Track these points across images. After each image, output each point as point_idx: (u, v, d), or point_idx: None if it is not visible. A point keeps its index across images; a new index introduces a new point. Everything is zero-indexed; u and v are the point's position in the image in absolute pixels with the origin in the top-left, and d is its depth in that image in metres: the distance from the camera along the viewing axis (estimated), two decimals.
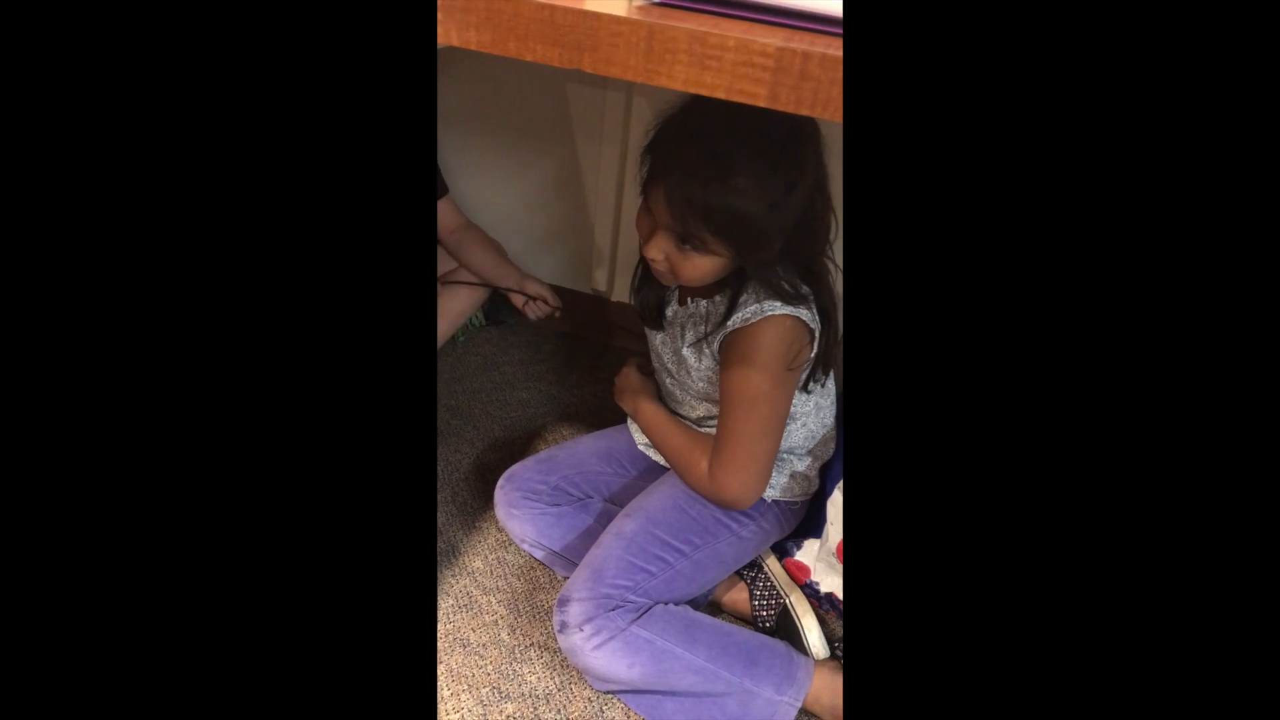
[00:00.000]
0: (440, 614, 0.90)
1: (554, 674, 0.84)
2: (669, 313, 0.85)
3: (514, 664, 0.85)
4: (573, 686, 0.83)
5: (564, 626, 0.79)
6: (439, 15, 0.49)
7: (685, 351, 0.82)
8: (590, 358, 1.39)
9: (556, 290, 1.31)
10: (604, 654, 0.77)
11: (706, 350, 0.80)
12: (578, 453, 0.98)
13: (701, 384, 0.83)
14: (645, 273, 0.85)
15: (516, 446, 1.16)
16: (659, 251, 0.71)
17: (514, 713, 0.80)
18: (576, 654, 0.78)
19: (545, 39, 0.48)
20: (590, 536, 0.92)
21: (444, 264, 1.35)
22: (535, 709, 0.81)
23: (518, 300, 1.27)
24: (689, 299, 0.83)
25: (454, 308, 1.31)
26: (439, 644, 0.87)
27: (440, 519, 1.03)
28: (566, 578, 0.94)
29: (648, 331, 0.90)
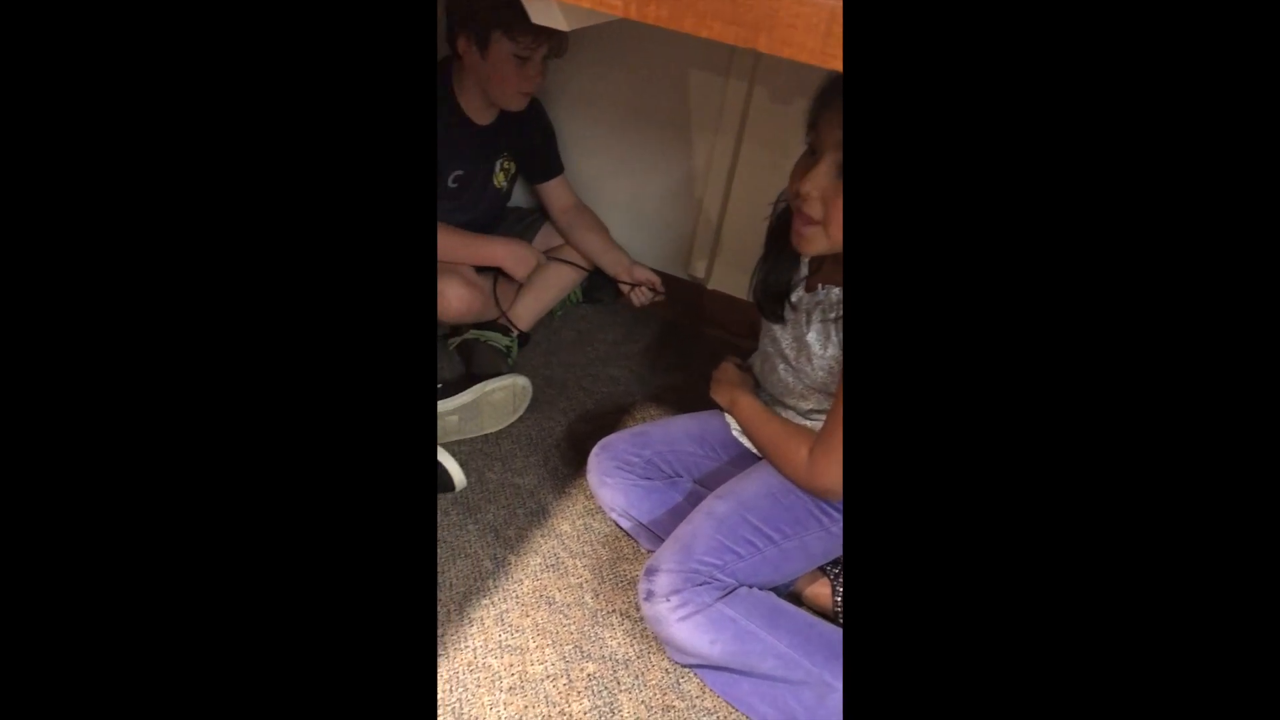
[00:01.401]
0: (528, 571, 0.94)
1: (634, 641, 0.87)
2: (794, 298, 0.86)
3: (596, 627, 0.88)
4: (651, 655, 0.86)
5: (650, 595, 0.81)
6: None
7: (810, 337, 0.83)
8: (682, 344, 1.40)
9: (656, 274, 1.33)
10: (688, 626, 0.79)
11: (835, 337, 0.80)
12: (671, 431, 1.00)
13: (821, 374, 0.83)
14: (771, 259, 0.86)
15: (606, 420, 1.19)
16: (815, 187, 0.70)
17: (594, 672, 0.83)
18: (660, 624, 0.80)
19: (724, 16, 0.49)
20: (678, 513, 0.94)
21: (552, 239, 1.38)
22: (614, 672, 0.83)
23: (623, 286, 1.30)
24: (819, 285, 0.83)
25: (556, 283, 1.35)
26: (527, 599, 0.90)
27: (532, 480, 1.07)
28: (650, 551, 0.96)
29: (764, 322, 0.91)
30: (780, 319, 0.87)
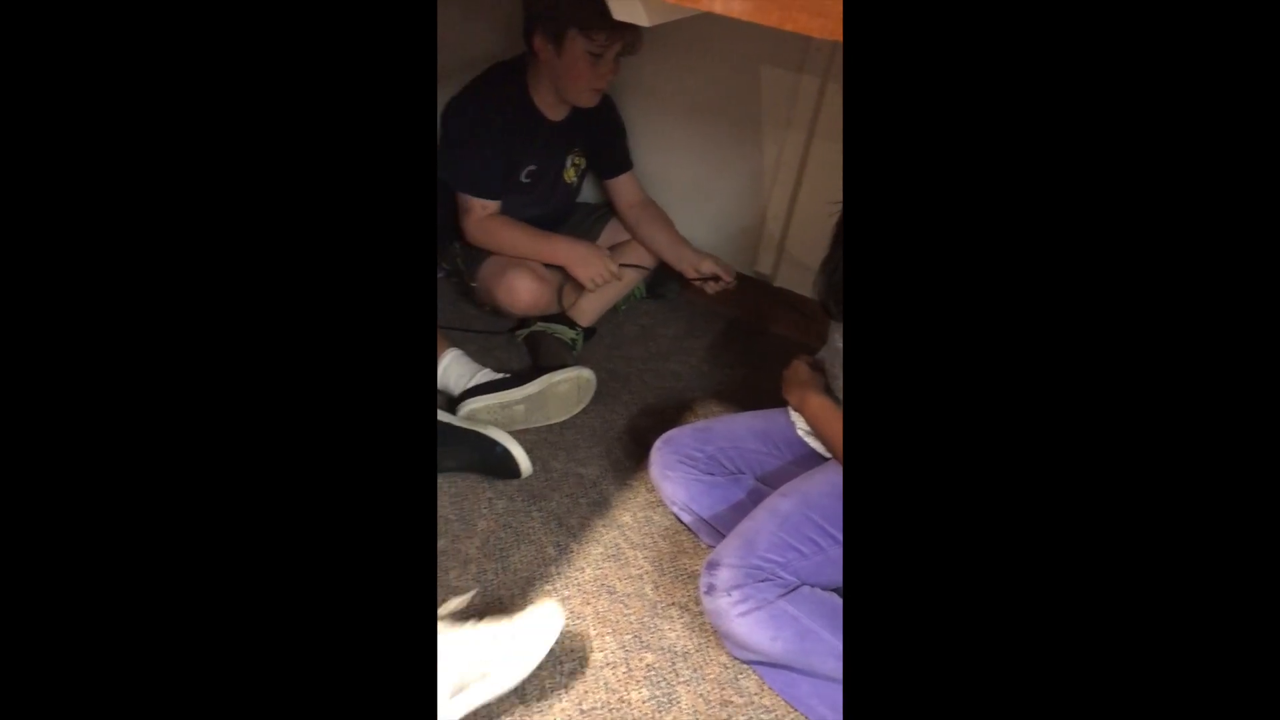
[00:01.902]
0: (589, 560, 0.95)
1: (693, 635, 0.87)
2: None
3: (655, 619, 0.89)
4: (710, 650, 0.86)
5: (711, 589, 0.81)
6: None
7: None
8: (745, 340, 1.40)
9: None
10: (748, 622, 0.79)
11: None
12: (735, 428, 1.00)
13: None
14: (837, 258, 0.85)
15: (668, 414, 1.20)
16: None
17: (653, 662, 0.84)
18: (721, 618, 0.80)
19: (810, 9, 0.49)
20: (740, 510, 0.94)
21: (619, 234, 1.40)
22: (673, 664, 0.84)
23: (693, 278, 1.30)
24: None
25: (622, 280, 1.36)
26: (588, 587, 0.92)
27: (595, 471, 1.08)
28: (710, 546, 0.96)
29: (831, 321, 0.90)
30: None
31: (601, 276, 1.24)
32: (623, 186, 1.37)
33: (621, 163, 1.36)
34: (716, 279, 1.29)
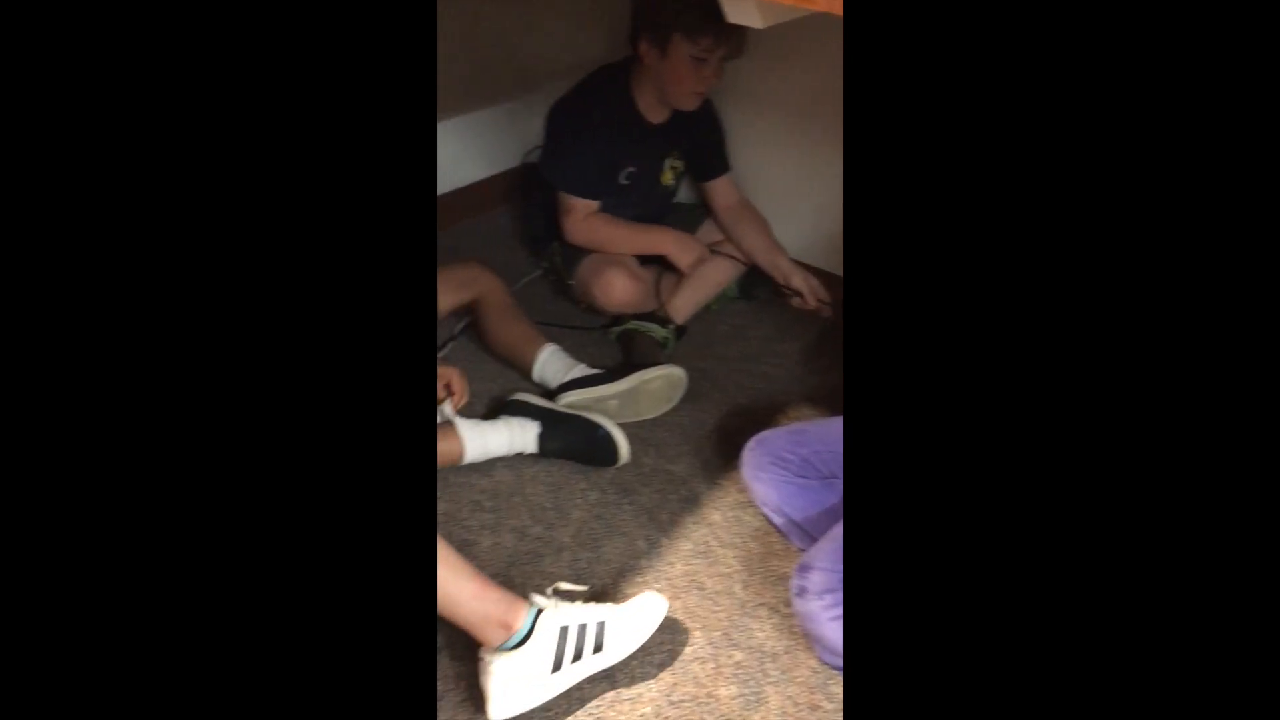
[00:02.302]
0: (679, 555, 0.96)
1: (783, 636, 0.87)
2: None
3: (745, 618, 0.89)
4: (799, 652, 0.86)
5: (803, 592, 0.81)
6: None
7: None
8: (837, 344, 1.38)
9: (814, 272, 1.31)
10: (840, 627, 0.78)
11: None
12: (830, 432, 0.99)
13: None
14: None
15: (759, 416, 1.19)
16: None
17: (742, 661, 0.84)
18: (812, 621, 0.80)
19: None
20: (832, 514, 0.93)
21: (714, 234, 1.40)
22: (762, 664, 0.84)
23: (782, 286, 1.30)
24: None
25: (714, 277, 1.37)
26: (678, 582, 0.93)
27: (684, 469, 1.09)
28: (801, 549, 0.96)
29: None
30: None
31: (700, 259, 1.27)
32: (720, 189, 1.37)
33: (720, 165, 1.37)
34: (807, 296, 1.29)
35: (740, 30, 1.14)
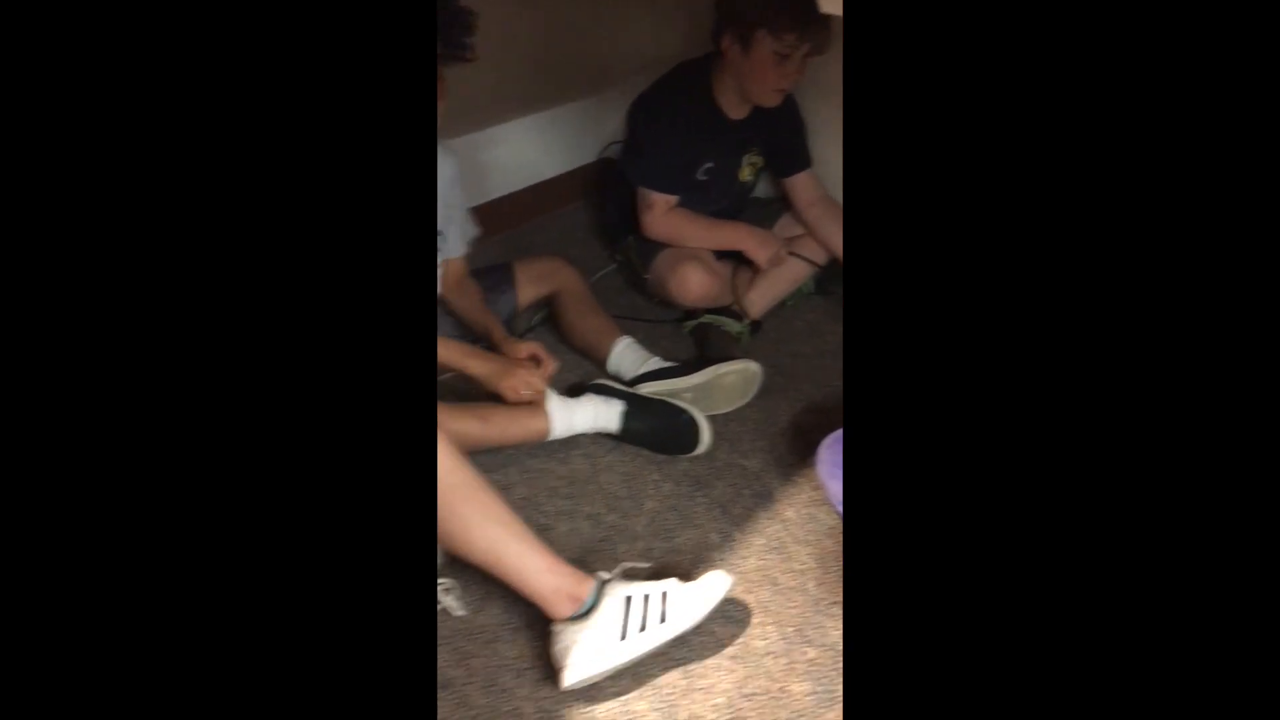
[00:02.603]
0: (752, 550, 0.97)
1: None
2: None
3: (818, 615, 0.89)
4: None
5: None
6: None
7: None
8: None
9: None
10: None
11: None
12: None
13: None
14: None
15: (833, 414, 1.18)
16: None
17: (815, 658, 0.84)
18: None
19: None
20: None
21: (791, 228, 1.39)
22: (835, 661, 0.84)
23: None
24: None
25: (790, 274, 1.36)
26: (751, 576, 0.93)
27: (757, 463, 1.09)
28: None
29: None
30: None
31: (779, 258, 1.26)
32: (801, 185, 1.36)
33: (800, 161, 1.35)
34: None
35: (825, 26, 1.13)
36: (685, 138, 1.25)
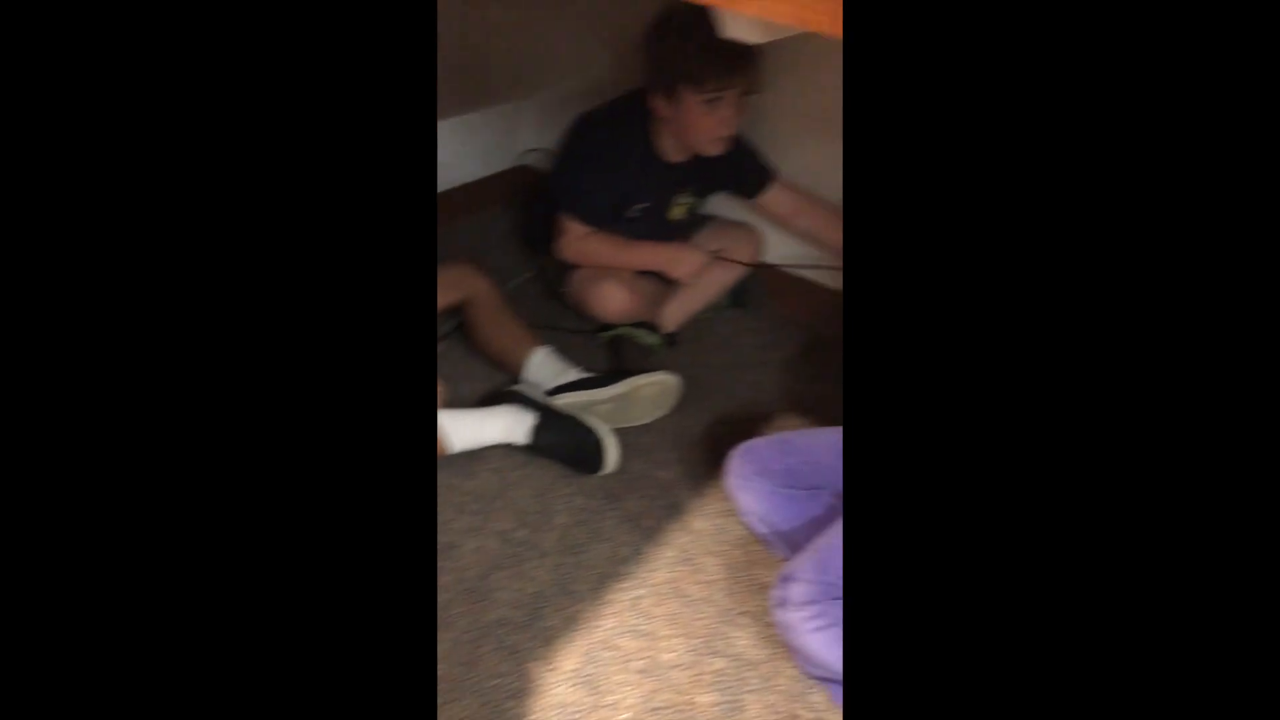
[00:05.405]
0: (662, 562, 0.97)
1: (763, 645, 0.87)
2: None
3: (726, 625, 0.89)
4: (779, 662, 0.86)
5: (784, 602, 0.81)
6: (818, 3, 0.52)
7: None
8: (828, 355, 1.39)
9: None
10: (820, 639, 0.78)
11: None
12: (816, 443, 1.00)
13: None
14: None
15: (745, 425, 1.20)
16: None
17: (722, 669, 0.85)
18: (792, 632, 0.80)
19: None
20: (815, 526, 0.93)
21: (712, 241, 1.41)
22: (741, 672, 0.85)
23: None
24: None
25: (707, 286, 1.37)
26: (661, 589, 0.93)
27: (670, 475, 1.10)
28: (784, 559, 0.96)
29: None
30: None
31: (698, 269, 1.25)
32: (775, 200, 1.31)
33: (762, 179, 1.30)
34: None
35: (752, 64, 1.12)
36: (621, 178, 1.22)
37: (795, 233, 1.35)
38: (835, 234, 1.30)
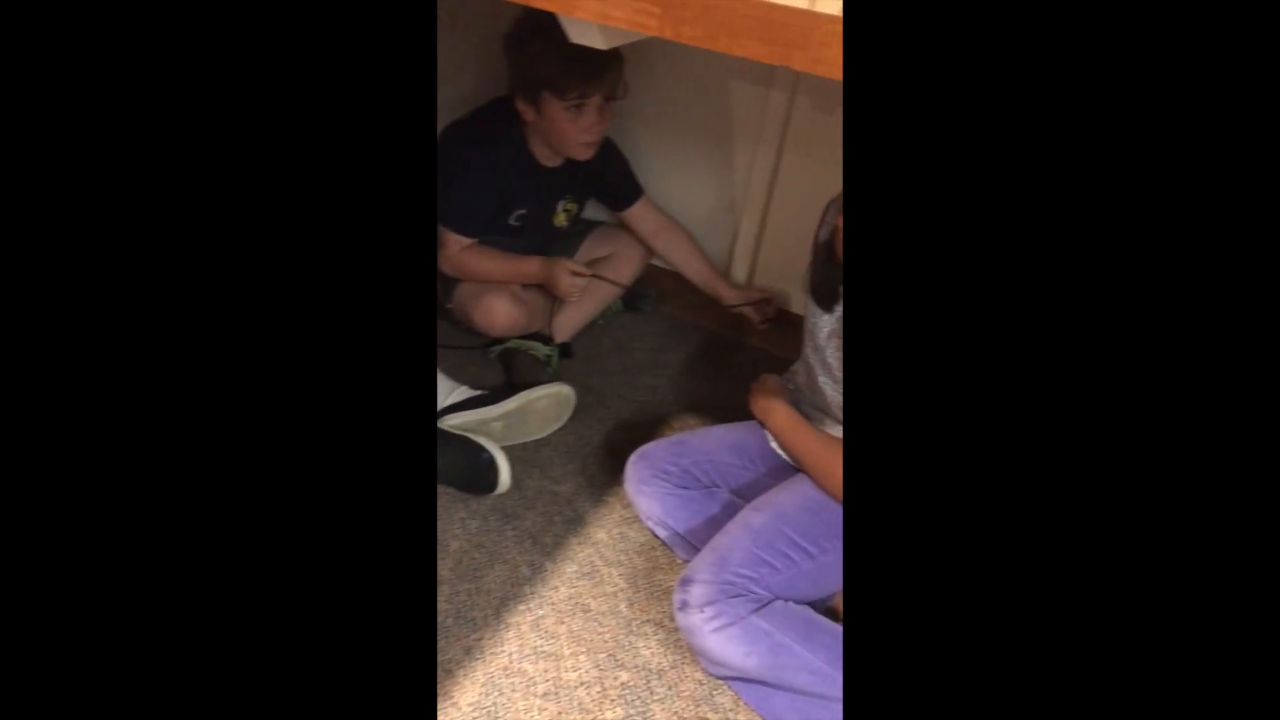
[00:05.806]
0: (564, 578, 0.95)
1: (668, 651, 0.87)
2: (841, 311, 0.85)
3: (630, 636, 0.88)
4: (685, 666, 0.86)
5: (684, 605, 0.81)
6: (649, 6, 0.52)
7: None
8: (721, 353, 1.40)
9: (763, 293, 1.34)
10: (722, 638, 0.79)
11: None
12: (709, 441, 1.00)
13: None
14: (820, 269, 0.87)
15: (644, 429, 1.19)
16: None
17: (628, 681, 0.84)
18: (694, 634, 0.80)
19: (758, 36, 0.50)
20: (714, 524, 0.94)
21: (594, 250, 1.40)
22: (648, 681, 0.84)
23: (732, 308, 1.34)
24: None
25: (596, 295, 1.36)
26: (563, 606, 0.91)
27: (569, 488, 1.08)
28: (686, 561, 0.96)
29: (809, 314, 0.91)
30: (831, 307, 0.87)
31: (576, 286, 1.24)
32: (639, 215, 1.35)
33: (630, 193, 1.34)
34: (758, 306, 1.33)
35: (613, 71, 1.13)
36: (497, 185, 1.20)
37: (655, 252, 1.39)
38: (694, 270, 1.37)
